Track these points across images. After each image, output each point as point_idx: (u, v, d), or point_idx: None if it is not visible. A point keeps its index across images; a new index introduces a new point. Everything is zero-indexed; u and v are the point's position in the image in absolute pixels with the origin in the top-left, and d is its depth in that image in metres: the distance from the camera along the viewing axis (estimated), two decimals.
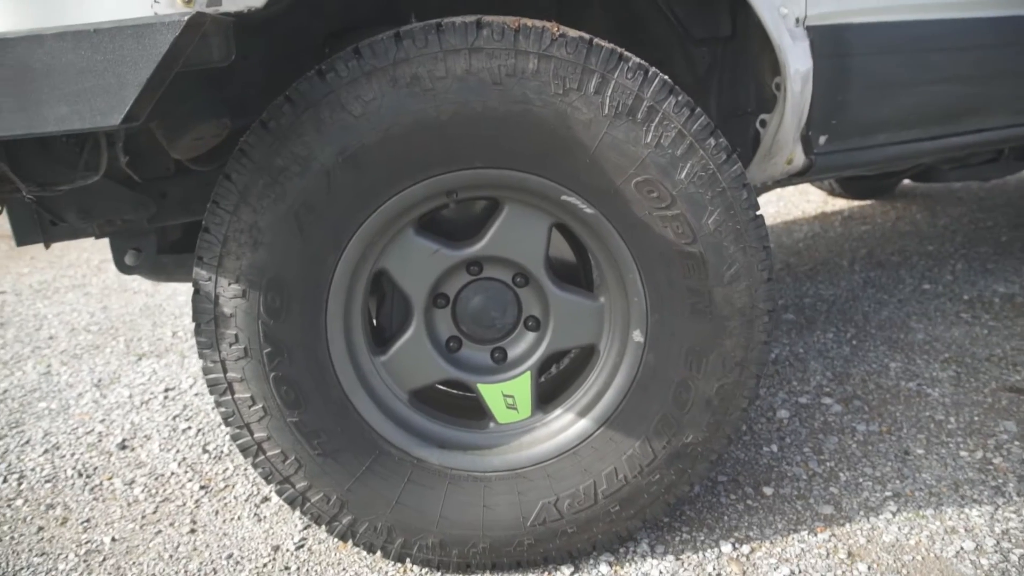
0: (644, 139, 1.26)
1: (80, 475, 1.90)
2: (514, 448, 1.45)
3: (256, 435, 1.35)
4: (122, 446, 2.03)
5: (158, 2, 1.11)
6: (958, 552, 1.46)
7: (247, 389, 1.32)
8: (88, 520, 1.71)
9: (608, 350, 1.43)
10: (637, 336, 1.38)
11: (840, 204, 3.93)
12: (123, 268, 1.59)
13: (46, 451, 2.02)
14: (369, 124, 1.22)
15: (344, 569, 1.50)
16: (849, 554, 1.47)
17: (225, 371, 1.32)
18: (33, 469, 1.94)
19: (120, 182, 1.42)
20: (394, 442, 1.40)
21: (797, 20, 1.53)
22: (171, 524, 1.68)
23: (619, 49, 1.26)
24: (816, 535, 1.53)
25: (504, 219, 1.36)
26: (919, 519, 1.56)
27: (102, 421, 2.17)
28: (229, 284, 1.27)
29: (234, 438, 1.37)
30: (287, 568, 1.52)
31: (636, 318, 1.37)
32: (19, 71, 0.96)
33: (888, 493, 1.65)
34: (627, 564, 1.48)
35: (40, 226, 1.47)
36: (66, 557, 1.59)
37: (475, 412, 1.50)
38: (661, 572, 1.45)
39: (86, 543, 1.63)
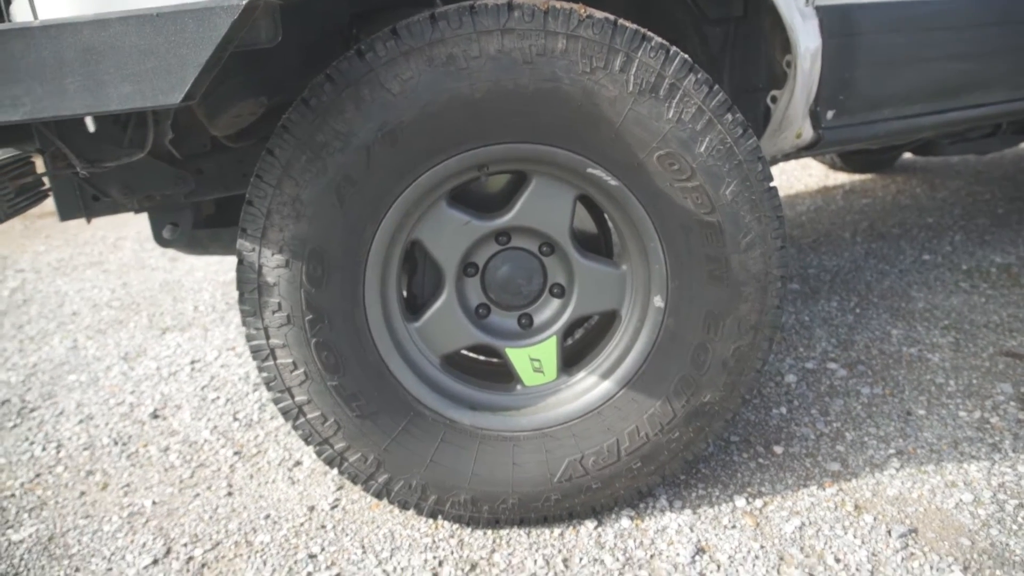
0: (666, 115, 1.32)
1: (116, 443, 1.98)
2: (541, 409, 1.53)
3: (297, 399, 1.43)
4: (154, 415, 2.10)
5: None
6: (958, 503, 1.55)
7: (289, 355, 1.40)
8: (128, 485, 1.80)
9: (630, 315, 1.51)
10: (658, 301, 1.46)
11: (841, 177, 4.00)
12: (161, 241, 1.66)
13: (80, 421, 2.10)
14: (407, 101, 1.28)
15: (378, 526, 1.59)
16: (856, 506, 1.56)
17: (268, 337, 1.40)
18: (70, 438, 2.01)
19: (160, 159, 1.48)
20: (428, 404, 1.48)
21: (806, 0, 1.60)
22: (208, 488, 1.76)
23: (642, 30, 1.32)
24: (824, 489, 1.62)
25: (532, 191, 1.43)
26: (921, 474, 1.65)
27: (132, 392, 2.24)
28: (272, 255, 1.34)
29: (276, 401, 1.44)
30: (323, 526, 1.60)
31: (657, 284, 1.45)
32: (85, 53, 1.02)
33: (891, 451, 1.74)
34: (647, 518, 1.57)
35: (83, 202, 1.54)
36: (110, 519, 1.67)
37: (503, 376, 1.58)
38: (680, 525, 1.54)
39: (128, 506, 1.72)
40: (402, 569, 1.47)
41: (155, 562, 1.52)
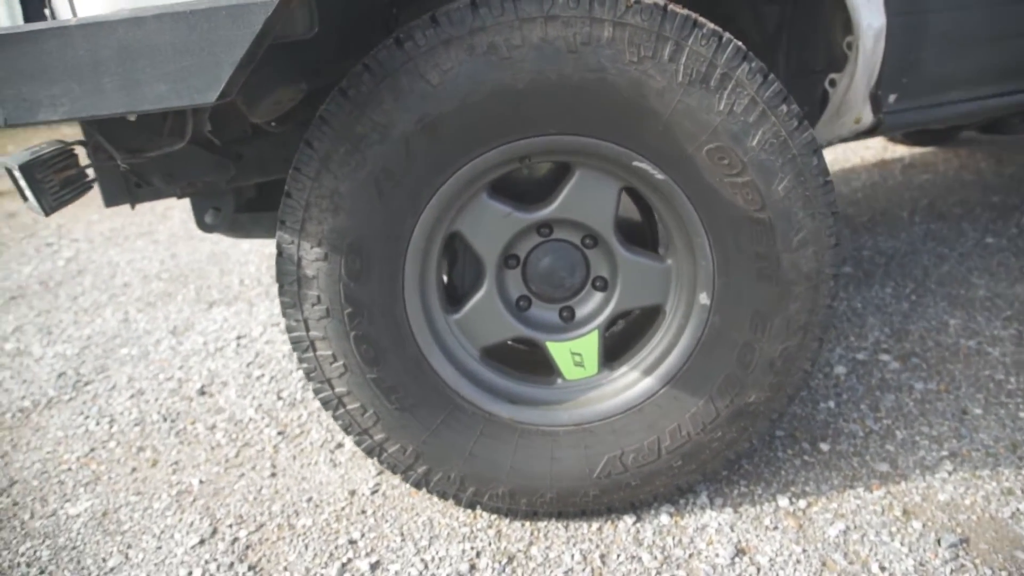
0: (717, 106, 1.26)
1: (165, 420, 2.03)
2: (581, 404, 1.51)
3: (337, 390, 1.44)
4: (201, 392, 2.15)
5: None
6: (1014, 513, 1.49)
7: (329, 347, 1.40)
8: (176, 463, 1.85)
9: (674, 311, 1.46)
10: (704, 299, 1.41)
11: (900, 151, 3.82)
12: (204, 227, 1.66)
13: (132, 396, 2.16)
14: (447, 92, 1.24)
15: (417, 514, 1.60)
16: (904, 511, 1.51)
17: (308, 330, 1.40)
18: (122, 413, 2.08)
19: (201, 146, 1.48)
20: (467, 397, 1.47)
21: None
22: (253, 468, 1.80)
23: (693, 15, 1.25)
24: (872, 492, 1.57)
25: (575, 183, 1.39)
26: (975, 479, 1.59)
27: (180, 368, 2.30)
28: (311, 248, 1.33)
29: (316, 392, 1.45)
30: (364, 512, 1.62)
31: (703, 281, 1.40)
32: (121, 52, 1.01)
33: (944, 452, 1.67)
34: (687, 515, 1.55)
35: (127, 188, 1.55)
36: (159, 496, 1.72)
37: (543, 369, 1.56)
38: (720, 524, 1.52)
39: (176, 484, 1.77)
40: (440, 559, 1.48)
41: (202, 542, 1.57)
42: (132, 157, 1.34)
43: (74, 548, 1.59)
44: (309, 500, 1.67)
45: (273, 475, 1.77)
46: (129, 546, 1.58)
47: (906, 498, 1.55)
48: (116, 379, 2.26)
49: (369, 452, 1.50)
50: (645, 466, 1.48)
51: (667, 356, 1.46)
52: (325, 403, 1.46)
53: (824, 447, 1.72)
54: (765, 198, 1.31)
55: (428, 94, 1.24)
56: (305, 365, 1.44)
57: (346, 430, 1.48)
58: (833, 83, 1.61)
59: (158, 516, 1.66)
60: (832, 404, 1.88)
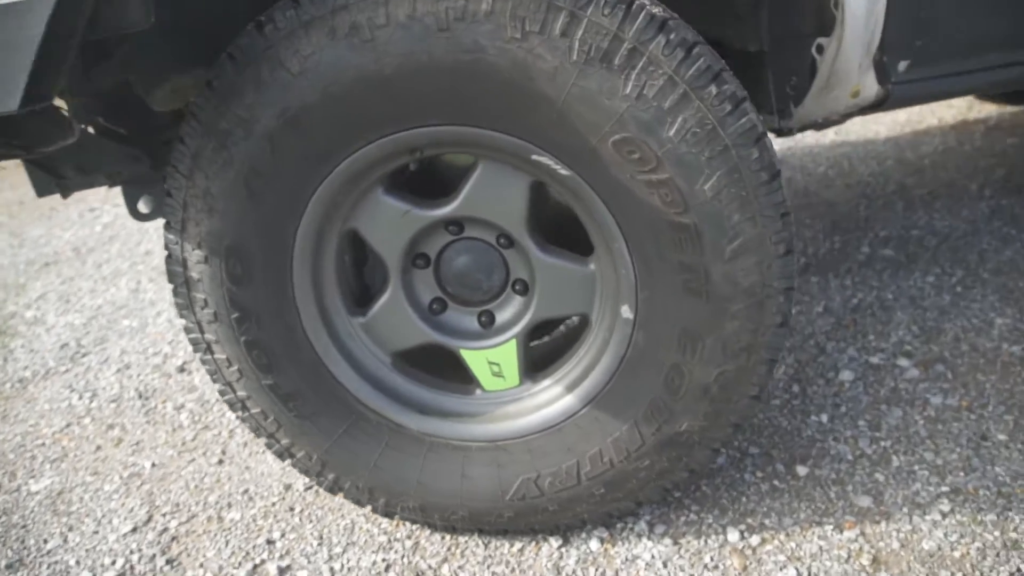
0: (623, 89, 1.05)
1: (140, 396, 2.06)
2: (497, 418, 1.37)
3: (238, 393, 1.37)
4: (181, 369, 2.17)
5: None
6: (1013, 574, 1.24)
7: (223, 351, 1.32)
8: (138, 443, 1.86)
9: (599, 323, 1.29)
10: (626, 312, 1.22)
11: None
12: (137, 215, 1.62)
13: (118, 370, 2.20)
14: (308, 82, 1.10)
15: (342, 516, 1.53)
16: (874, 560, 1.29)
17: (202, 332, 1.32)
18: (104, 388, 2.12)
19: (111, 138, 1.42)
20: (372, 406, 1.36)
21: None
22: (204, 454, 1.79)
23: (656, 10, 1.03)
24: (842, 532, 1.36)
25: (478, 177, 1.22)
26: (974, 525, 1.34)
27: (170, 343, 2.32)
28: (193, 249, 1.25)
29: (221, 394, 1.39)
30: (292, 509, 1.57)
31: (625, 292, 1.21)
32: None
33: (945, 488, 1.42)
34: (620, 543, 1.39)
35: (55, 180, 1.52)
36: (112, 479, 1.75)
37: (466, 376, 1.43)
38: (654, 556, 1.36)
39: (131, 466, 1.78)
40: (349, 569, 1.41)
41: (134, 530, 1.57)
42: (27, 152, 1.29)
43: (24, 527, 1.64)
44: (245, 492, 1.64)
45: (220, 462, 1.75)
46: (70, 528, 1.61)
47: (881, 543, 1.33)
48: (111, 352, 2.31)
49: (279, 456, 1.43)
50: (563, 491, 1.33)
51: (589, 373, 1.29)
52: (230, 405, 1.40)
53: (801, 471, 1.50)
54: (688, 199, 1.10)
55: (289, 84, 1.10)
56: (207, 367, 1.37)
57: (255, 433, 1.42)
58: (820, 49, 1.33)
59: (104, 499, 1.68)
60: (825, 418, 1.64)
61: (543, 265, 1.27)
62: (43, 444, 1.91)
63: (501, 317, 1.35)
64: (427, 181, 1.33)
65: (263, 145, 1.15)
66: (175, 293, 1.32)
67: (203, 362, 1.37)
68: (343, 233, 1.30)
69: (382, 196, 1.26)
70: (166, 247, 1.28)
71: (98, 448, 1.87)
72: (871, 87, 1.36)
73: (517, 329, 1.33)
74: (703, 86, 1.06)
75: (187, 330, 1.35)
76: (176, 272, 1.29)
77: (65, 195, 1.54)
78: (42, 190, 1.53)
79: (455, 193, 1.24)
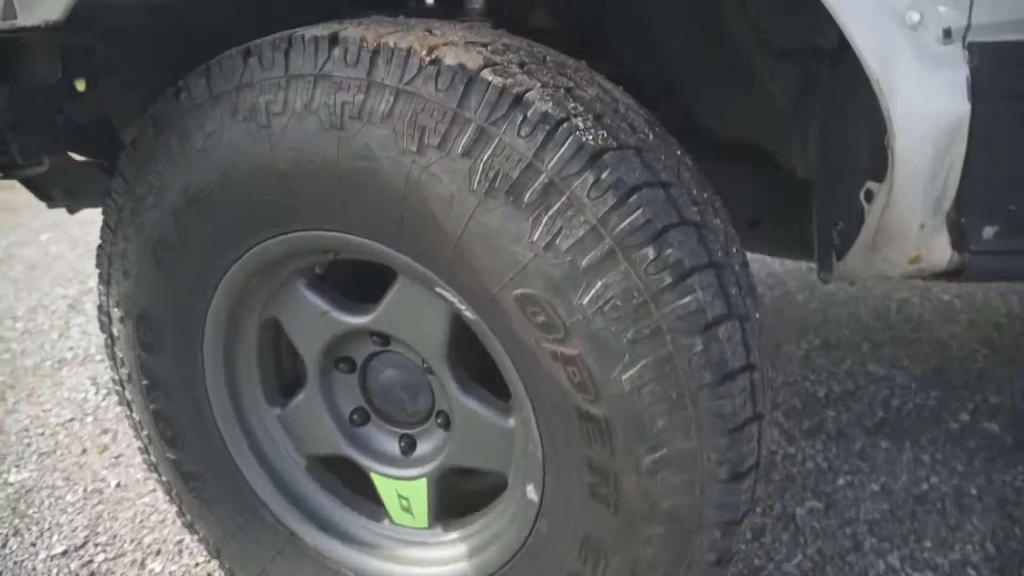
0: (530, 234, 0.81)
1: None
2: (397, 559, 1.17)
3: (151, 458, 1.29)
4: None
5: None
6: None
7: (136, 413, 1.26)
8: (118, 457, 1.88)
9: (512, 491, 1.05)
10: (531, 492, 0.98)
11: None
12: None
13: None
14: (209, 161, 0.98)
15: None
16: None
17: (123, 388, 1.27)
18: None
19: (98, 167, 1.41)
20: (271, 507, 1.23)
21: (946, 33, 0.85)
22: None
23: (521, 87, 0.81)
24: None
25: (397, 293, 1.03)
26: None
27: None
28: (113, 307, 1.19)
29: (140, 451, 1.33)
30: (212, 574, 1.49)
31: (532, 469, 0.97)
32: None
33: None
34: None
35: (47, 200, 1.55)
36: (76, 490, 1.76)
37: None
38: None
39: (99, 480, 1.79)
40: None
41: (64, 553, 1.57)
42: (5, 176, 1.31)
43: None
44: (178, 543, 1.58)
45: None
46: (15, 533, 1.63)
47: None
48: None
49: (186, 528, 1.34)
50: None
51: (490, 546, 1.06)
52: (147, 464, 1.33)
53: None
54: (599, 387, 0.84)
55: (193, 161, 0.99)
56: (128, 421, 1.31)
57: (167, 496, 1.34)
58: (870, 196, 0.99)
59: (60, 510, 1.70)
60: None
61: (459, 405, 1.05)
62: (43, 434, 1.98)
63: (421, 448, 1.15)
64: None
65: (169, 219, 1.05)
66: (105, 343, 1.27)
67: (127, 416, 1.31)
68: (265, 321, 1.17)
69: (302, 290, 1.11)
70: (98, 295, 1.24)
71: (83, 452, 1.90)
72: (942, 253, 0.99)
73: (429, 469, 1.13)
74: (637, 246, 0.79)
75: (113, 380, 1.30)
76: (103, 322, 1.24)
77: (71, 211, 1.58)
78: (54, 204, 1.57)
79: (376, 304, 1.07)
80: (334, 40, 0.88)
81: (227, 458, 1.22)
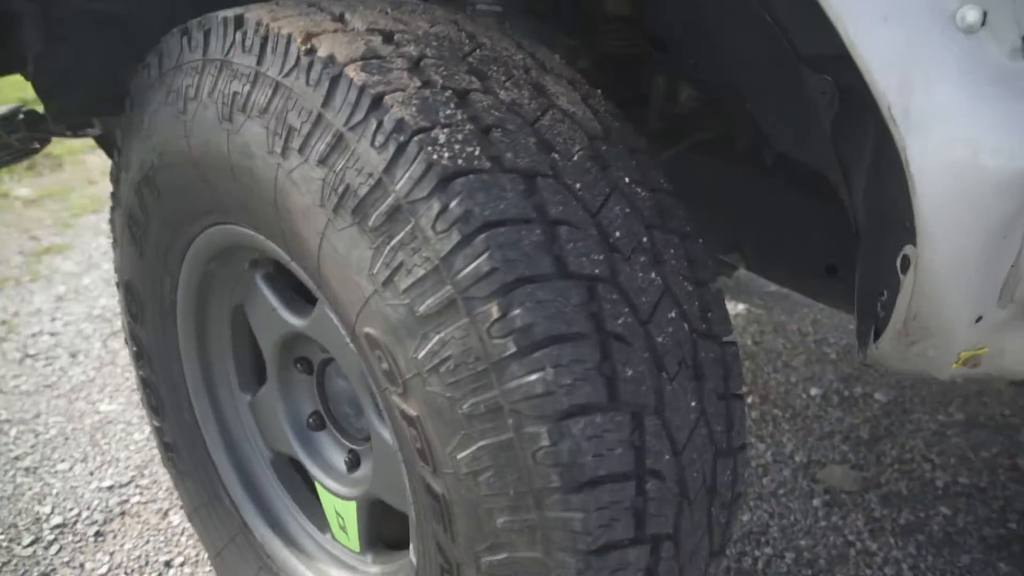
0: (371, 265, 0.68)
1: None
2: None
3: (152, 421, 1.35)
4: None
5: None
6: None
7: (135, 374, 1.31)
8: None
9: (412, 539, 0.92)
10: (412, 552, 0.85)
11: None
12: None
13: None
14: (152, 141, 0.96)
15: None
16: None
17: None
18: None
19: None
20: (231, 493, 1.22)
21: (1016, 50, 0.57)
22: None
23: (385, 87, 0.67)
24: None
25: (320, 304, 0.94)
26: None
27: None
28: (115, 272, 1.23)
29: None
30: None
31: (412, 527, 0.84)
32: None
33: None
34: None
35: None
36: (144, 430, 1.87)
37: None
38: None
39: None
40: None
41: (110, 488, 1.69)
42: (73, 134, 1.42)
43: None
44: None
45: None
46: (83, 459, 1.75)
47: None
48: None
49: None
50: None
51: None
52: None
53: None
54: (437, 461, 0.68)
55: (145, 139, 0.98)
56: None
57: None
58: (906, 265, 0.70)
59: (124, 446, 1.80)
60: None
61: (376, 432, 0.94)
62: (72, 424, 2.02)
63: (362, 468, 1.07)
64: None
65: (133, 194, 1.05)
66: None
67: None
68: (236, 306, 1.15)
69: (258, 282, 1.06)
70: None
71: (85, 458, 1.94)
72: (1011, 350, 0.68)
73: (358, 492, 1.04)
74: (481, 299, 0.62)
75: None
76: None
77: None
78: None
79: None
80: (239, 22, 0.80)
81: (198, 435, 1.23)
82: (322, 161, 0.70)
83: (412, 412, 0.69)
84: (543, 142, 0.70)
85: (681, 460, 0.69)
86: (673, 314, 0.71)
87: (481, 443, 0.65)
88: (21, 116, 1.41)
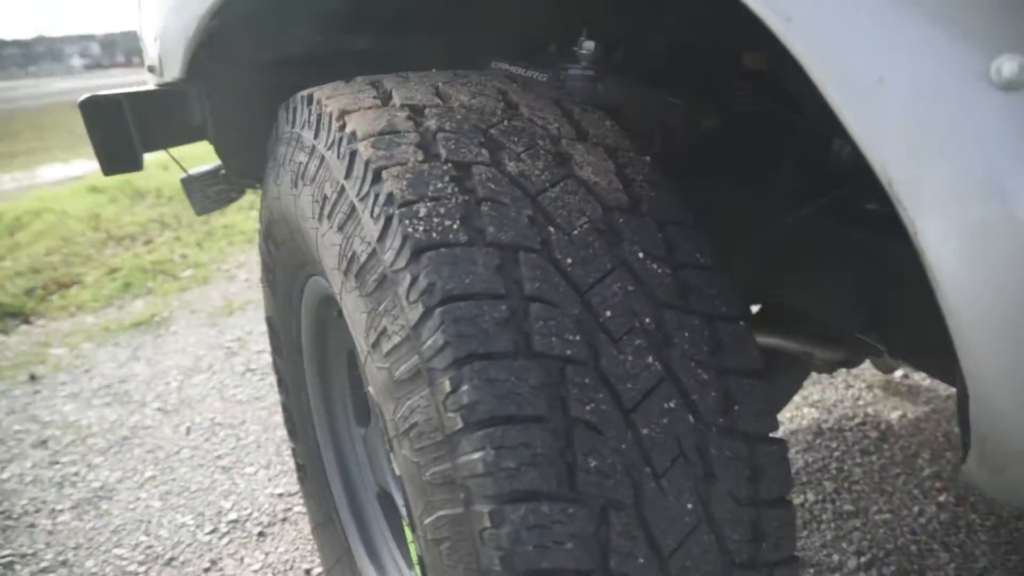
0: (367, 327, 0.72)
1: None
2: None
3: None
4: None
5: None
6: None
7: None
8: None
9: None
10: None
11: None
12: None
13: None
14: (267, 200, 1.10)
15: None
16: None
17: None
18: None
19: None
20: (341, 516, 1.33)
21: None
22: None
23: (385, 162, 0.71)
24: None
25: None
26: None
27: None
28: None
29: None
30: None
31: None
32: None
33: None
34: None
35: None
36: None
37: None
38: None
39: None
40: None
41: (280, 495, 1.92)
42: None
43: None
44: None
45: None
46: (267, 465, 2.04)
47: None
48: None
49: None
50: None
51: None
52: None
53: None
54: (414, 520, 0.70)
55: (264, 196, 1.12)
56: None
57: None
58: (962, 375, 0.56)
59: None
60: None
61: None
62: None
63: None
64: None
65: (264, 243, 1.21)
66: None
67: None
68: (348, 349, 1.26)
69: None
70: None
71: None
72: None
73: None
74: (439, 372, 0.63)
75: None
76: None
77: None
78: (200, 209, 1.86)
79: None
80: (309, 100, 0.90)
81: (319, 461, 1.36)
82: (340, 228, 0.76)
83: (397, 471, 0.71)
84: (542, 215, 0.69)
85: (668, 567, 0.62)
86: (671, 404, 0.65)
87: (440, 512, 0.64)
88: (222, 172, 1.69)
